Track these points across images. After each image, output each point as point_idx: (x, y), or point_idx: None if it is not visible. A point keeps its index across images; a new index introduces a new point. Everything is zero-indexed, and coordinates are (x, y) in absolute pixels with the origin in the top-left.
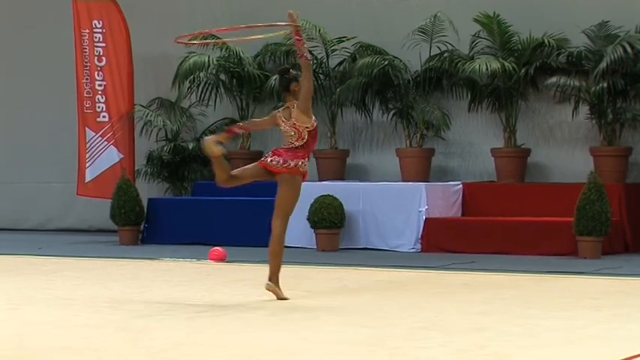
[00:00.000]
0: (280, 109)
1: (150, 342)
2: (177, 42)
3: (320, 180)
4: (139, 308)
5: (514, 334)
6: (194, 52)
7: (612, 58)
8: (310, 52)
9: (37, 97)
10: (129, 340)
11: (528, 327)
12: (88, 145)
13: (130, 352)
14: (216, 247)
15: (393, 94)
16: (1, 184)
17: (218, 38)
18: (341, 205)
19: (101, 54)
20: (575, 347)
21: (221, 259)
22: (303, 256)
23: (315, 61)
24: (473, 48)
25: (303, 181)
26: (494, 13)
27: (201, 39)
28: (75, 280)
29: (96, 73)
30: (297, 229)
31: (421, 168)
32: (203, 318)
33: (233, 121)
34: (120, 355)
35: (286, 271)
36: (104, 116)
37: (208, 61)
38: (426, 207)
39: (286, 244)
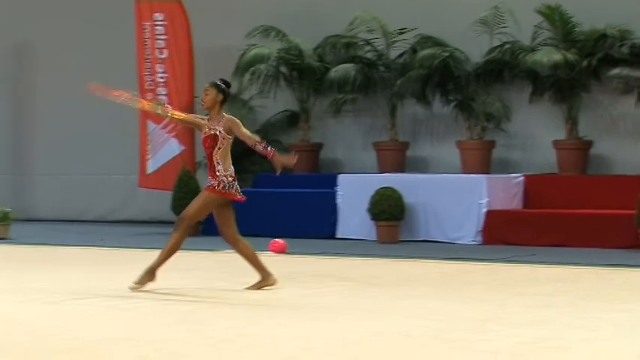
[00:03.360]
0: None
1: (210, 332)
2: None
3: (380, 172)
4: (198, 299)
5: (576, 327)
6: (255, 45)
7: None
8: None
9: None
10: (189, 331)
11: (591, 320)
12: (149, 138)
13: (189, 343)
14: (276, 239)
15: (454, 86)
16: (66, 177)
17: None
18: (401, 197)
19: (162, 47)
20: (638, 340)
21: (281, 251)
22: (363, 248)
23: (375, 53)
24: (534, 39)
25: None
26: (556, 3)
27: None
28: (137, 271)
29: (157, 65)
30: (358, 222)
31: (482, 160)
32: (261, 309)
33: (293, 114)
34: (180, 346)
35: (346, 263)
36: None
37: (269, 53)
38: (487, 199)
39: (348, 237)
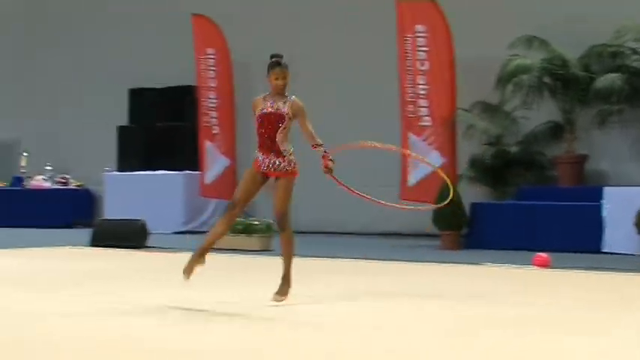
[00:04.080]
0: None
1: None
2: None
3: None
4: (451, 311)
5: None
6: (517, 55)
7: None
8: None
9: (362, 101)
10: (449, 346)
11: None
12: (411, 150)
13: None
14: (540, 253)
15: None
16: (330, 188)
17: None
18: None
19: (424, 58)
20: None
21: (545, 265)
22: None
23: None
24: None
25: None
26: None
27: None
28: (399, 283)
29: (418, 77)
30: (624, 236)
31: None
32: (532, 323)
33: (557, 125)
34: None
35: (608, 279)
36: (427, 121)
37: (532, 63)
38: None
39: (614, 251)
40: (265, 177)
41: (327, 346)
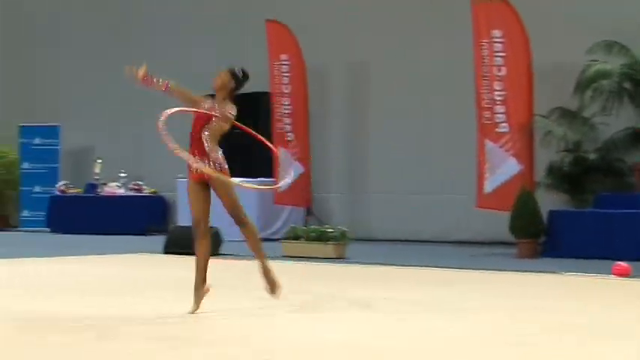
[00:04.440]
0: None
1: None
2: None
3: None
4: (529, 322)
5: None
6: (596, 60)
7: None
8: None
9: (437, 107)
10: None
11: None
12: (487, 157)
13: None
14: (619, 262)
15: None
16: (400, 196)
17: None
18: None
19: (501, 64)
20: None
21: (625, 274)
22: None
23: None
24: None
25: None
26: None
27: None
28: (472, 292)
29: (495, 83)
30: None
31: None
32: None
33: (637, 131)
34: None
35: None
36: (504, 127)
37: (612, 69)
38: None
39: None
40: (204, 182)
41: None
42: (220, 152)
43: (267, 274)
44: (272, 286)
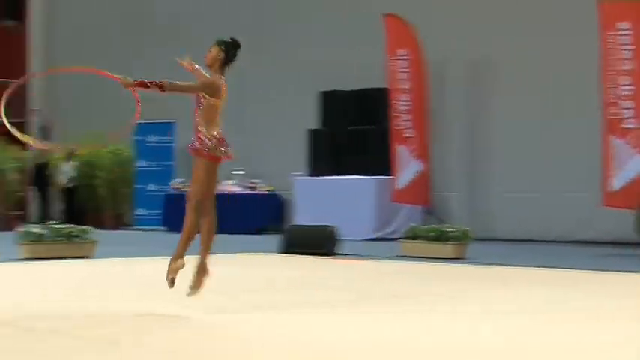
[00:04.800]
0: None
1: None
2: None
3: None
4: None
5: None
6: None
7: None
8: None
9: (559, 103)
10: None
11: None
12: (613, 154)
13: None
14: None
15: None
16: (526, 195)
17: None
18: None
19: (628, 57)
20: None
21: None
22: None
23: None
24: None
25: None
26: None
27: None
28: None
29: (621, 77)
30: None
31: None
32: None
33: None
34: None
35: None
36: (630, 122)
37: None
38: None
39: None
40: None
41: None
42: (216, 131)
43: (201, 272)
44: (196, 285)
